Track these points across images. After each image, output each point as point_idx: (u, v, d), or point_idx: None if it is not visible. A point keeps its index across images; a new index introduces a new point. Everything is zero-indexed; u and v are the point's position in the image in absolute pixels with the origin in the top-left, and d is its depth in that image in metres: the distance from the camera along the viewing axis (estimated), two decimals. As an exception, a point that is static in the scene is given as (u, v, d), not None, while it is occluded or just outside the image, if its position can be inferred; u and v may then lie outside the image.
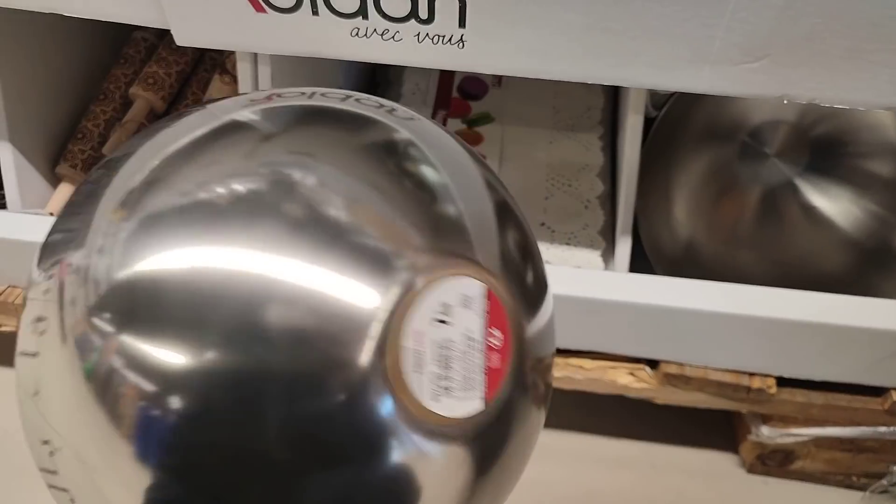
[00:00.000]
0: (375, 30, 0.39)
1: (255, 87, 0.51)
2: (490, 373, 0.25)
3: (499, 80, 0.69)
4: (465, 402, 0.24)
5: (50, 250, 0.25)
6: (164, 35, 0.63)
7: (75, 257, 0.24)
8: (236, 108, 0.27)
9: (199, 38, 0.42)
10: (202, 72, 0.64)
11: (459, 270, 0.25)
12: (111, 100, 0.61)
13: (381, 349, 0.23)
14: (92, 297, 0.23)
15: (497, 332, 0.25)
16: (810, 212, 0.59)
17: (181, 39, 0.42)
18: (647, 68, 0.38)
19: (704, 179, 0.59)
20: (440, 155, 0.28)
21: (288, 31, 0.40)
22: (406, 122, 0.29)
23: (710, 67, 0.38)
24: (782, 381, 0.53)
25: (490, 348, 0.25)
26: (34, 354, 0.24)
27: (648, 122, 0.52)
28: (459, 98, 0.67)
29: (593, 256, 0.55)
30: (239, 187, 0.24)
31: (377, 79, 0.77)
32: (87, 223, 0.24)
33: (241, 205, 0.23)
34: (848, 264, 0.57)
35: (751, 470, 0.61)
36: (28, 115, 0.58)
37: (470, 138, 0.64)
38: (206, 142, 0.25)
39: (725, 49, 0.37)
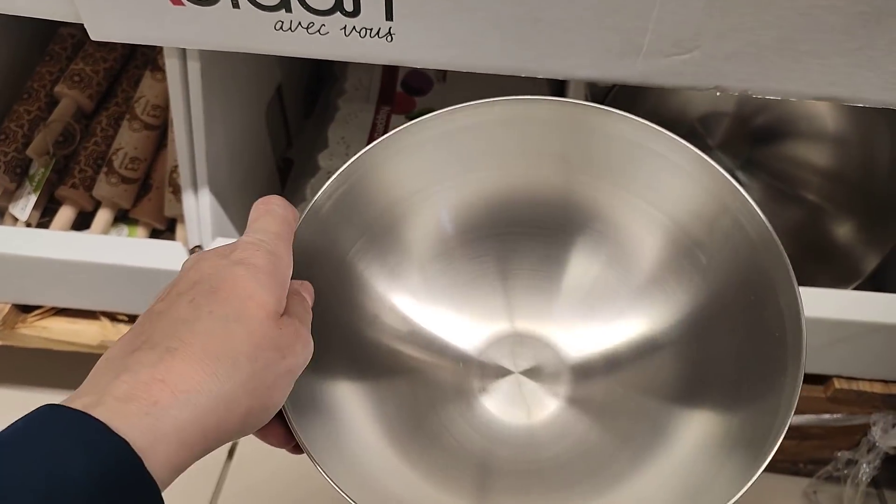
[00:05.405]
0: (300, 23, 0.38)
1: (185, 83, 0.49)
2: None
3: (443, 75, 0.68)
4: None
5: None
6: (91, 30, 0.61)
7: None
8: None
9: (115, 33, 0.40)
10: (133, 69, 0.61)
11: None
12: (35, 99, 0.59)
13: None
14: None
15: None
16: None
17: (96, 34, 0.40)
18: (579, 60, 0.38)
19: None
20: None
21: (208, 24, 0.38)
22: None
23: (643, 59, 0.37)
24: (727, 373, 0.53)
25: None
26: None
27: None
28: (404, 93, 0.66)
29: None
30: None
31: (322, 73, 0.76)
32: None
33: None
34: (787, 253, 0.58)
35: (700, 461, 0.61)
36: (-56, 116, 0.55)
37: (414, 134, 0.63)
38: None
39: (656, 40, 0.36)
